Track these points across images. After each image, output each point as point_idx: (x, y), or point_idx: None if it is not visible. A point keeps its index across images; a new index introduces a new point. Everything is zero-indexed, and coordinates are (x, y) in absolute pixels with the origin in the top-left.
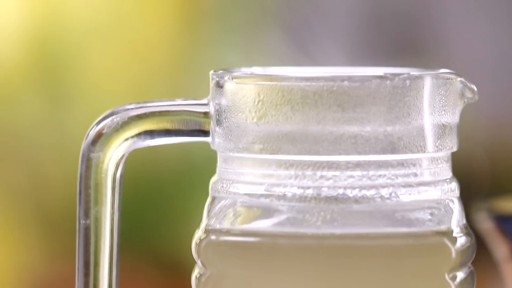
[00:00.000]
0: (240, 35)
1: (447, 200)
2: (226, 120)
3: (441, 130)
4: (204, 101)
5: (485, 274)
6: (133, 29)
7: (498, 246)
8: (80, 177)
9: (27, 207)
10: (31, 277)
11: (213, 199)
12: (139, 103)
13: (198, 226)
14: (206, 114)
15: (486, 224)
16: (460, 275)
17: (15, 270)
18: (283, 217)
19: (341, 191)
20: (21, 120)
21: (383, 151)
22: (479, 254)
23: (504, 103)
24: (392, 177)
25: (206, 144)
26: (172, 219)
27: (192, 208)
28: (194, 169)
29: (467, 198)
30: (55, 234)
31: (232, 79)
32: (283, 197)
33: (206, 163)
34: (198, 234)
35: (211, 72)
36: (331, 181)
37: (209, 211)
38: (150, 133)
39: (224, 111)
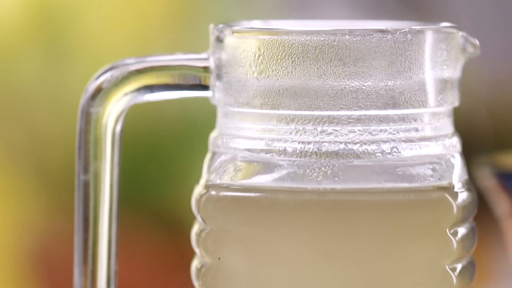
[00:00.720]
0: None
1: (448, 155)
2: (226, 74)
3: (443, 85)
4: (204, 55)
5: (486, 230)
6: None
7: (499, 203)
8: (80, 132)
9: (27, 164)
10: (31, 234)
11: (213, 154)
12: (138, 57)
13: (198, 182)
14: (206, 68)
15: (487, 181)
16: (462, 230)
17: (15, 227)
18: (283, 172)
19: (342, 146)
20: (20, 77)
21: (384, 106)
22: (480, 211)
23: (507, 58)
24: (393, 132)
25: (206, 100)
26: (172, 176)
27: (192, 165)
28: (194, 126)
29: (469, 154)
30: (55, 191)
31: (232, 33)
32: (283, 152)
33: (206, 120)
34: (198, 189)
35: (211, 26)
36: (332, 136)
37: (209, 167)
38: (150, 88)
39: (224, 65)
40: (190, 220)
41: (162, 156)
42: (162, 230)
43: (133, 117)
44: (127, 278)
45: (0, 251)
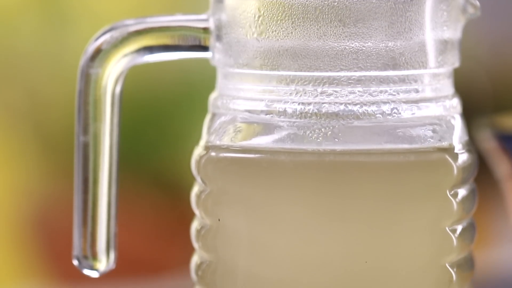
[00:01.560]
0: None
1: (448, 117)
2: (226, 35)
3: (443, 45)
4: (204, 16)
5: (487, 192)
6: None
7: (499, 165)
8: (79, 94)
9: (26, 127)
10: (30, 198)
11: (213, 115)
12: (138, 18)
13: (197, 144)
14: (206, 29)
15: (487, 143)
16: (462, 192)
17: (14, 191)
18: (283, 133)
19: (342, 107)
20: (20, 39)
21: (385, 67)
22: (481, 173)
23: (506, 20)
24: (394, 93)
25: (206, 62)
26: (172, 139)
27: (192, 128)
28: (194, 88)
29: (469, 117)
30: (55, 155)
31: None
32: (283, 113)
33: (206, 82)
34: (198, 150)
35: None
36: (332, 97)
37: (209, 128)
38: (150, 49)
39: (224, 26)
40: (190, 183)
41: (162, 119)
42: (161, 193)
43: (133, 79)
44: (127, 241)
45: None
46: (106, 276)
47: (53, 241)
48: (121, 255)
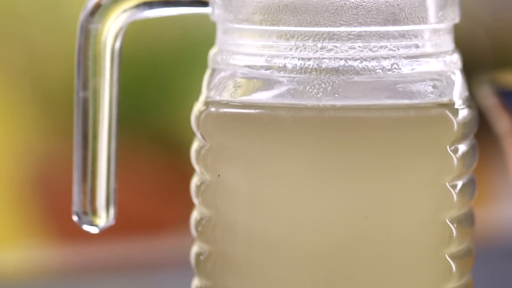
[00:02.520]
0: None
1: (449, 72)
2: None
3: (443, 1)
4: None
5: (487, 149)
6: None
7: (499, 121)
8: (79, 49)
9: (25, 85)
10: (30, 156)
11: (213, 71)
12: None
13: (197, 99)
14: None
15: (488, 99)
16: (462, 147)
17: (14, 149)
18: (283, 88)
19: (342, 62)
20: None
21: (385, 22)
22: (481, 129)
23: None
24: (394, 49)
25: (205, 18)
26: (171, 96)
27: (191, 85)
28: (193, 45)
29: (469, 73)
30: (54, 113)
31: None
32: (283, 68)
33: (206, 39)
34: (198, 106)
35: None
36: (332, 52)
37: (208, 83)
38: (149, 4)
39: None
40: (189, 140)
41: (162, 76)
42: (161, 151)
43: (133, 36)
44: (126, 199)
45: None
46: (105, 233)
47: (53, 199)
48: (121, 213)
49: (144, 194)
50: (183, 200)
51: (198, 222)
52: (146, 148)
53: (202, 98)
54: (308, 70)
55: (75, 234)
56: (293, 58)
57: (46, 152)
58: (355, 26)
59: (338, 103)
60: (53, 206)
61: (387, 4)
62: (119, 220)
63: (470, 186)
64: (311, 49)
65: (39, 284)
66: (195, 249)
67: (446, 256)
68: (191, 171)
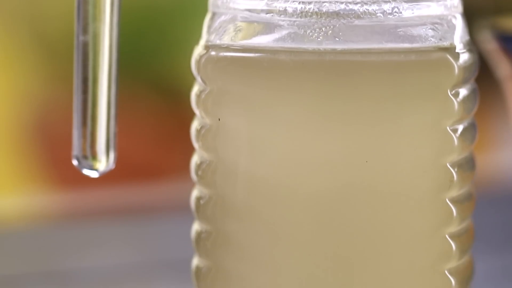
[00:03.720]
0: None
1: (450, 16)
2: None
3: None
4: None
5: (487, 94)
6: None
7: (500, 66)
8: None
9: (25, 32)
10: (30, 104)
11: (213, 14)
12: None
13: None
14: None
15: (488, 44)
16: (463, 91)
17: (14, 96)
18: (284, 32)
19: (342, 6)
20: None
21: None
22: (481, 74)
23: None
24: None
25: None
26: (172, 43)
27: (192, 31)
28: None
29: (470, 18)
30: (54, 59)
31: None
32: (284, 12)
33: None
34: (198, 50)
35: None
36: None
37: (209, 27)
38: None
39: None
40: (190, 87)
41: (162, 22)
42: (161, 98)
43: None
44: (126, 146)
45: None
46: (105, 180)
47: (53, 146)
48: (121, 159)
49: (144, 140)
50: (183, 146)
51: (198, 166)
52: (146, 95)
53: (202, 42)
54: (309, 13)
55: (75, 180)
56: (293, 1)
57: (46, 99)
58: None
59: (339, 47)
60: (53, 152)
61: None
62: (119, 167)
63: (470, 130)
64: None
65: (39, 229)
66: (195, 193)
67: (447, 200)
68: (191, 117)
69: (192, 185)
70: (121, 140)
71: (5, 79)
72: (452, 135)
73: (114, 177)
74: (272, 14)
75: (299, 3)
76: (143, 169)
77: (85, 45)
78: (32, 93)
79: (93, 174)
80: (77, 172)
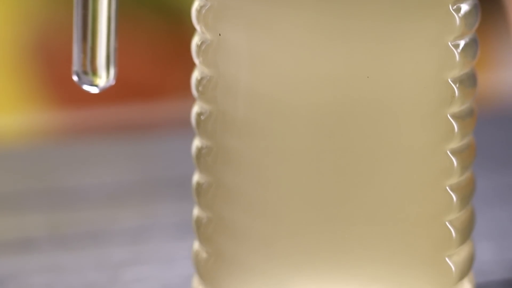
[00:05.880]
0: None
1: None
2: None
3: None
4: None
5: (490, 11)
6: None
7: None
8: None
9: None
10: (30, 25)
11: None
12: None
13: None
14: None
15: None
16: (464, 6)
17: (15, 16)
18: None
19: None
20: None
21: None
22: None
23: None
24: None
25: None
26: None
27: None
28: None
29: None
30: None
31: None
32: None
33: None
34: None
35: None
36: None
37: None
38: None
39: None
40: (190, 6)
41: None
42: (162, 17)
43: None
44: (127, 66)
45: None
46: (106, 98)
47: (53, 65)
48: (121, 79)
49: (145, 59)
50: (183, 65)
51: (199, 82)
52: (146, 14)
53: None
54: None
55: (76, 99)
56: None
57: (47, 19)
58: None
59: None
60: (53, 71)
61: None
62: (120, 86)
63: (472, 46)
64: None
65: (39, 147)
66: (196, 109)
67: (448, 115)
68: (192, 37)
69: (192, 103)
70: (122, 59)
71: (8, 0)
72: (453, 51)
73: (115, 96)
74: None
75: None
76: (144, 88)
77: None
78: (32, 12)
79: (93, 90)
80: (77, 91)
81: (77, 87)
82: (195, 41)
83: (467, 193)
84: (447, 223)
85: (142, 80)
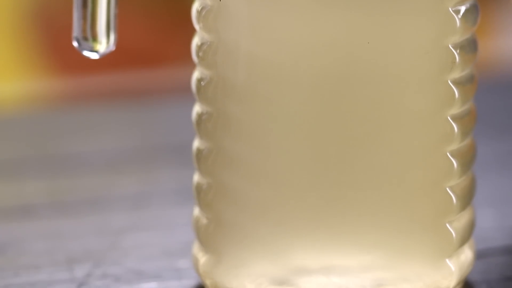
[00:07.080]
0: None
1: None
2: None
3: None
4: None
5: None
6: None
7: None
8: None
9: None
10: None
11: None
12: None
13: None
14: None
15: None
16: None
17: None
18: None
19: None
20: None
21: None
22: None
23: None
24: None
25: None
26: None
27: None
28: None
29: None
30: None
31: None
32: None
33: None
34: None
35: None
36: None
37: None
38: None
39: None
40: None
41: None
42: None
43: None
44: (127, 33)
45: None
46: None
47: (53, 33)
48: (122, 46)
49: (144, 26)
50: (183, 32)
51: (199, 48)
52: None
53: None
54: None
55: (75, 66)
56: None
57: None
58: None
59: None
60: (53, 39)
61: None
62: (119, 53)
63: (473, 12)
64: None
65: (40, 114)
66: (196, 74)
67: (449, 81)
68: (192, 2)
69: (192, 69)
70: (122, 26)
71: None
72: (454, 16)
73: (115, 63)
74: None
75: None
76: (144, 54)
77: None
78: None
79: (94, 56)
80: (78, 57)
81: (77, 54)
82: (196, 6)
83: (468, 159)
84: (447, 189)
85: (142, 47)
